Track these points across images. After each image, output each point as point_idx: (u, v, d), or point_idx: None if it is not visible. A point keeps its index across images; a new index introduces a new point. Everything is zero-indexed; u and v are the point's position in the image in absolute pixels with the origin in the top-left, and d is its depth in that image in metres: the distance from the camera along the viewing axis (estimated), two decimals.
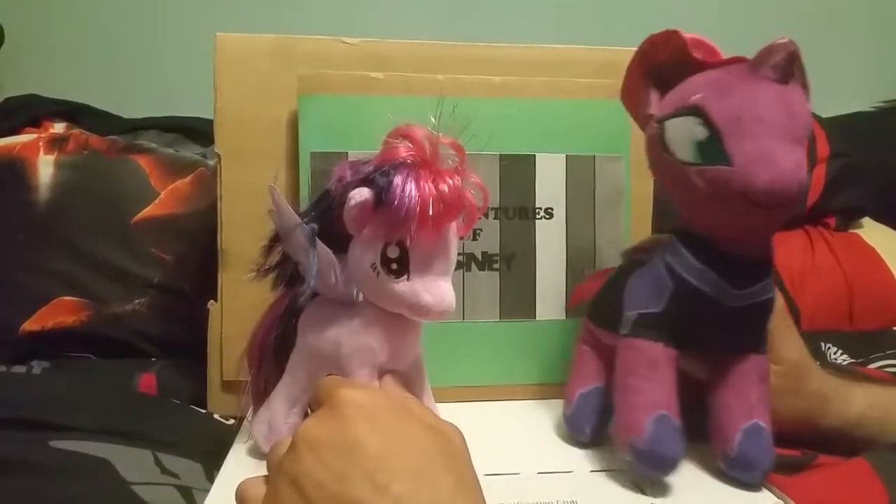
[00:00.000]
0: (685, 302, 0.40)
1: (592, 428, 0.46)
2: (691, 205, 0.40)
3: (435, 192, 0.34)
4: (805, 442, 0.46)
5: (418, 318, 0.37)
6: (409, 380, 0.41)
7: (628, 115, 0.56)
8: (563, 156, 0.55)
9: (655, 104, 0.42)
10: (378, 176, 0.35)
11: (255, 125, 0.53)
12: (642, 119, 0.43)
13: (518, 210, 0.55)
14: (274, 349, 0.43)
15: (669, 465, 0.40)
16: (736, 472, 0.41)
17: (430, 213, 0.33)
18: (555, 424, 0.50)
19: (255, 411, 0.44)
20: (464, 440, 0.30)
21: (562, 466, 0.44)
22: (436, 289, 0.35)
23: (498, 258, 0.55)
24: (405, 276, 0.35)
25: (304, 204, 0.51)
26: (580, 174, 0.56)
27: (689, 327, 0.41)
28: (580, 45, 0.58)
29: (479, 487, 0.28)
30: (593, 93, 0.56)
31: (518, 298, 0.55)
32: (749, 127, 0.36)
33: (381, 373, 0.39)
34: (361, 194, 0.35)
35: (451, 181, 0.34)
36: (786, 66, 0.36)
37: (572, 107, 0.55)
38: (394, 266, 0.35)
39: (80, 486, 0.42)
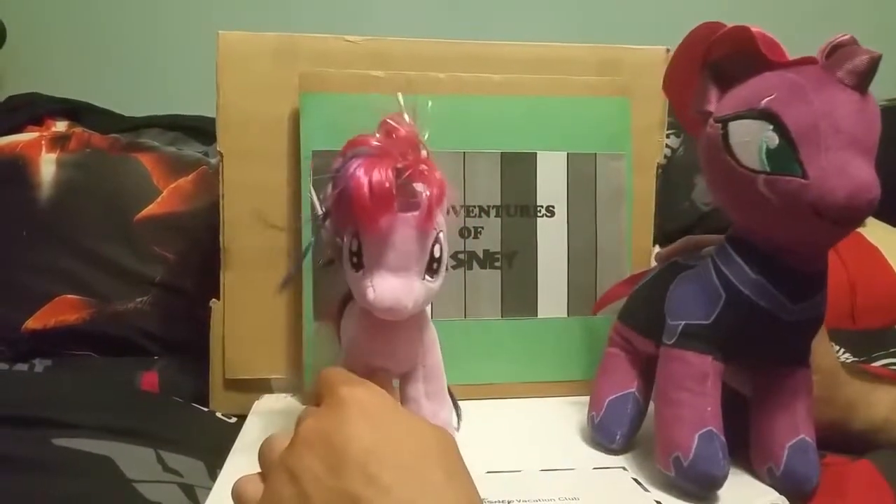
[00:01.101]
0: (737, 314, 0.38)
1: (623, 435, 0.45)
2: (751, 213, 0.38)
3: (365, 181, 0.33)
4: (826, 444, 0.46)
5: (376, 315, 0.35)
6: (413, 382, 0.41)
7: (630, 113, 0.56)
8: (565, 154, 0.55)
9: (715, 101, 0.39)
10: (338, 166, 0.35)
11: (257, 123, 0.53)
12: (693, 114, 0.40)
13: (519, 208, 0.55)
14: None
15: (715, 484, 0.38)
16: (786, 489, 0.40)
17: (359, 202, 0.32)
18: (556, 422, 0.50)
19: None
20: (455, 442, 0.31)
21: (564, 464, 0.44)
22: (381, 285, 0.34)
23: (500, 256, 0.55)
24: (361, 270, 0.35)
25: (306, 204, 0.52)
26: (581, 172, 0.55)
27: (739, 340, 0.39)
28: (581, 42, 0.58)
29: (472, 482, 0.28)
30: (595, 90, 0.56)
31: (519, 296, 0.55)
32: (826, 137, 0.34)
33: (374, 371, 0.38)
34: (330, 187, 0.35)
35: (383, 172, 0.33)
36: (867, 73, 0.34)
37: (574, 105, 0.55)
38: (354, 259, 0.35)
39: (83, 484, 0.42)
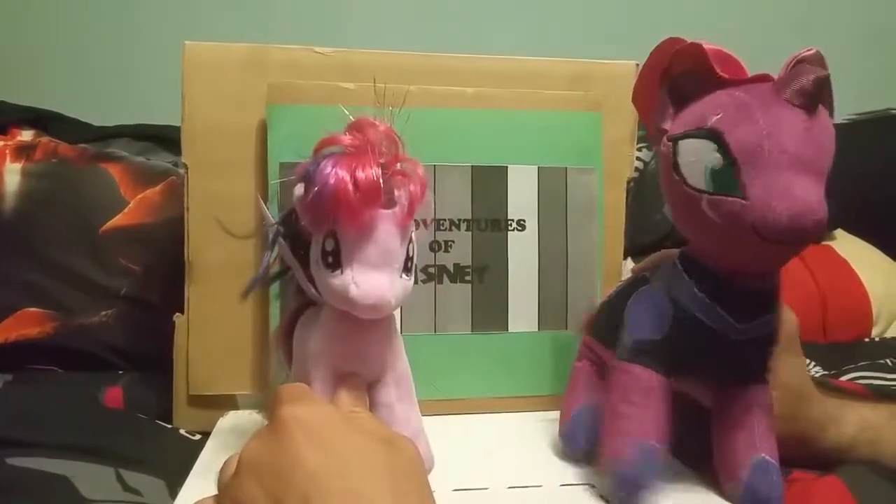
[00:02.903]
0: (685, 332, 0.39)
1: (588, 441, 0.45)
2: (698, 232, 0.38)
3: (349, 178, 0.33)
4: (782, 458, 0.46)
5: (356, 314, 0.35)
6: (384, 388, 0.40)
7: (601, 127, 0.57)
8: (536, 167, 0.55)
9: (670, 119, 0.39)
10: (309, 167, 0.35)
11: (224, 135, 0.53)
12: (654, 131, 0.40)
13: (490, 222, 0.55)
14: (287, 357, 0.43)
15: (648, 494, 0.39)
16: None
17: (345, 199, 0.33)
18: (526, 437, 0.50)
19: None
20: (418, 453, 0.29)
21: (532, 481, 0.43)
22: (365, 281, 0.34)
23: (470, 270, 0.54)
24: (339, 270, 0.34)
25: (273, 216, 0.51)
26: (552, 186, 0.55)
27: (688, 357, 0.39)
28: (553, 56, 0.58)
29: (427, 502, 0.27)
30: (566, 105, 0.56)
31: (490, 311, 0.55)
32: (769, 157, 0.33)
33: (346, 376, 0.38)
34: (298, 188, 0.35)
35: (369, 168, 0.33)
36: (814, 92, 0.33)
37: (545, 118, 0.55)
38: (330, 259, 0.35)
39: None
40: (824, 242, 0.84)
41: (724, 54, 0.37)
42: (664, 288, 0.40)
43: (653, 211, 0.78)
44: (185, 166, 0.52)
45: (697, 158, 0.35)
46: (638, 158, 0.80)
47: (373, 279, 0.34)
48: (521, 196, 0.55)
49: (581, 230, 0.56)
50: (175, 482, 0.44)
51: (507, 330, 0.55)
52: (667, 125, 0.39)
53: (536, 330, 0.55)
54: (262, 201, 0.41)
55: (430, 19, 0.96)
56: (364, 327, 0.37)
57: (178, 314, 0.53)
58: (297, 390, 0.32)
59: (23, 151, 0.70)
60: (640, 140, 0.83)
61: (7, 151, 0.69)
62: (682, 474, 0.44)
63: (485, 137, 0.54)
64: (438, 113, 0.54)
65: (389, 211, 0.35)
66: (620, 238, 0.59)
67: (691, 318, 0.38)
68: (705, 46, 0.36)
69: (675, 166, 0.36)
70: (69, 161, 0.70)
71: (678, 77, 0.38)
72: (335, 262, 0.34)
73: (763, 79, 0.36)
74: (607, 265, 0.57)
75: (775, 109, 0.34)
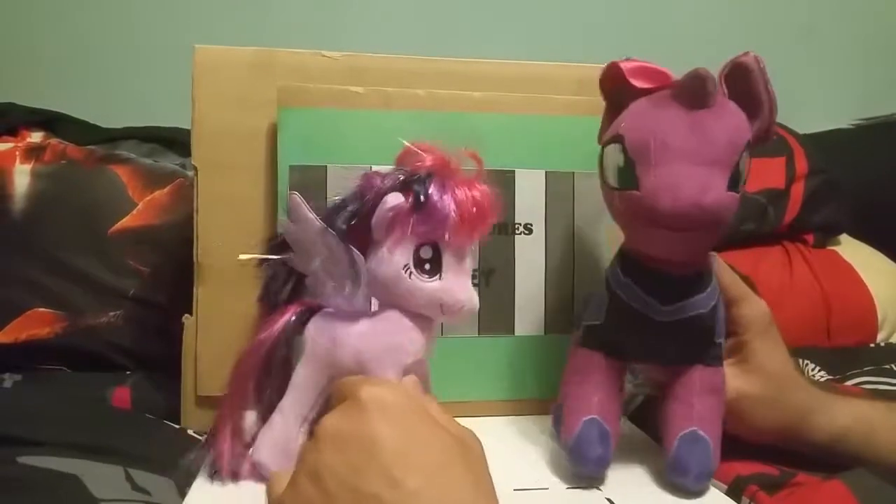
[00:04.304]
0: (618, 315, 0.43)
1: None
2: (621, 226, 0.44)
3: (470, 197, 0.37)
4: (786, 459, 0.46)
5: (449, 315, 0.39)
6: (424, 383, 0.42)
7: None
8: (543, 171, 0.55)
9: (606, 130, 0.45)
10: (415, 182, 0.37)
11: (233, 137, 0.53)
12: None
13: (497, 225, 0.55)
14: (277, 367, 0.42)
15: (594, 465, 0.42)
16: (671, 478, 0.42)
17: (467, 216, 0.37)
18: (532, 440, 0.50)
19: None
20: (482, 449, 0.31)
21: (538, 483, 0.44)
22: (466, 287, 0.39)
23: (477, 273, 0.55)
24: (437, 276, 0.38)
25: (282, 217, 0.51)
26: (560, 190, 0.56)
27: (626, 339, 0.44)
28: (559, 61, 0.58)
29: (494, 492, 0.28)
30: (572, 109, 0.56)
31: (497, 314, 0.55)
32: (656, 153, 0.38)
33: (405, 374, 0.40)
34: (397, 198, 0.37)
35: (481, 188, 0.38)
36: (696, 91, 0.37)
37: (552, 123, 0.56)
38: (427, 266, 0.38)
39: (47, 502, 0.41)
40: (829, 247, 0.84)
41: (645, 68, 0.41)
42: (607, 277, 0.45)
43: None
44: (195, 168, 0.53)
45: (611, 161, 0.41)
46: None
47: (468, 285, 0.39)
48: (529, 200, 0.55)
49: (588, 234, 0.56)
50: (184, 481, 0.45)
51: (514, 333, 0.55)
52: (602, 135, 0.45)
53: (543, 333, 0.55)
54: (301, 204, 0.40)
55: (437, 24, 0.97)
56: (430, 328, 0.40)
57: (187, 315, 0.53)
58: (365, 378, 0.33)
59: (32, 153, 0.70)
60: None
61: (17, 153, 0.70)
62: (644, 445, 0.49)
63: (492, 141, 0.54)
64: (446, 117, 0.54)
65: None
66: None
67: (620, 302, 0.43)
68: (620, 64, 0.42)
69: (601, 169, 0.43)
70: (78, 162, 0.71)
71: (610, 93, 0.44)
72: (434, 269, 0.38)
73: (670, 86, 0.40)
74: None
75: (665, 110, 0.38)
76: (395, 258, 0.38)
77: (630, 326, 0.43)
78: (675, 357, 0.44)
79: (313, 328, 0.40)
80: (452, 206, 0.36)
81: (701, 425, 0.42)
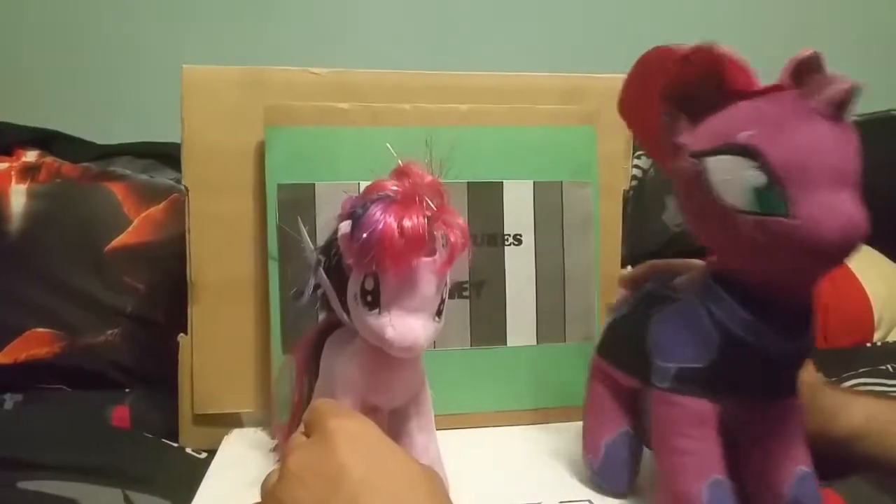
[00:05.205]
0: (732, 355, 0.37)
1: (629, 478, 0.44)
2: (735, 251, 0.36)
3: (396, 226, 0.34)
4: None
5: (391, 351, 0.37)
6: (405, 418, 0.42)
7: (595, 140, 0.57)
8: (531, 182, 0.56)
9: (684, 132, 0.37)
10: (357, 208, 0.36)
11: (223, 156, 0.53)
12: (662, 144, 0.38)
13: (487, 237, 0.55)
14: (311, 369, 0.44)
15: None
16: None
17: (390, 246, 0.34)
18: (526, 452, 0.51)
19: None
20: (441, 480, 0.31)
21: (531, 497, 0.44)
22: (401, 325, 0.35)
23: (468, 285, 0.55)
24: (377, 310, 0.36)
25: (272, 236, 0.52)
26: (548, 200, 0.56)
27: (733, 380, 0.38)
28: (547, 71, 0.58)
29: None
30: (560, 119, 0.56)
31: (488, 325, 0.55)
32: (813, 174, 0.32)
33: (368, 407, 0.39)
34: (344, 226, 0.36)
35: (416, 218, 0.34)
36: (846, 103, 0.32)
37: (539, 133, 0.56)
38: (368, 298, 0.36)
39: None
40: None
41: (736, 58, 0.35)
42: (703, 310, 0.37)
43: (652, 219, 0.78)
44: (186, 188, 0.53)
45: (733, 177, 0.33)
46: (636, 166, 0.80)
47: (408, 323, 0.36)
48: (518, 211, 0.55)
49: (577, 243, 0.56)
50: (182, 500, 0.45)
51: (506, 344, 0.55)
52: (684, 139, 0.37)
53: (535, 343, 0.56)
54: (302, 226, 0.42)
55: (422, 39, 0.97)
56: (395, 363, 0.38)
57: (182, 334, 0.54)
58: (338, 405, 0.33)
59: (28, 172, 0.71)
60: (636, 149, 0.84)
61: (12, 173, 0.70)
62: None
63: (480, 153, 0.55)
64: (433, 130, 0.54)
65: (430, 259, 0.36)
66: (617, 250, 0.59)
67: (737, 340, 0.36)
68: (718, 50, 0.35)
69: (707, 184, 0.35)
70: (73, 180, 0.71)
71: (681, 86, 0.36)
72: (374, 301, 0.36)
73: (780, 88, 0.34)
74: (604, 277, 0.57)
75: (809, 123, 0.32)
76: (352, 287, 0.37)
77: (747, 366, 0.37)
78: (779, 391, 0.40)
79: (328, 341, 0.42)
80: (377, 236, 0.34)
81: (807, 463, 0.39)
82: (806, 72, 0.34)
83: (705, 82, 0.35)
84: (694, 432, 0.37)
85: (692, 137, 0.36)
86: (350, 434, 0.29)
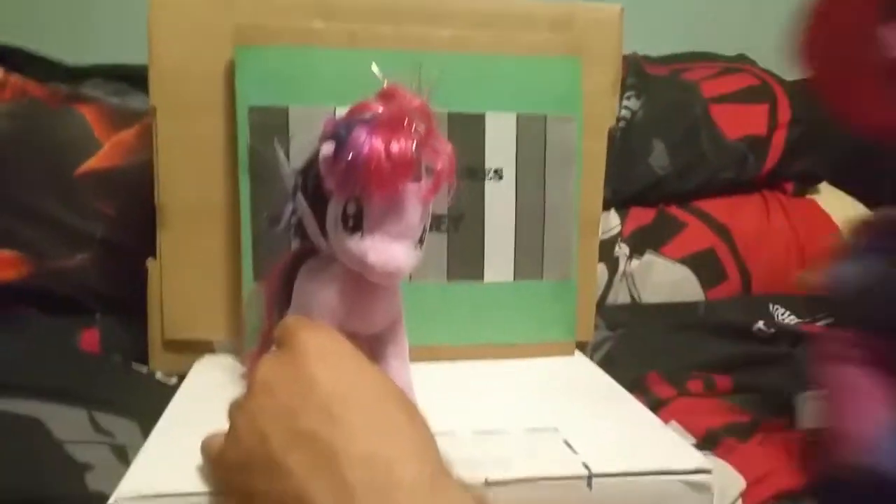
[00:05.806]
0: None
1: None
2: None
3: (382, 149, 0.33)
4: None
5: (371, 276, 0.36)
6: (381, 344, 0.42)
7: (580, 73, 0.55)
8: (514, 115, 0.54)
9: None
10: (341, 129, 0.34)
11: (193, 76, 0.51)
12: (864, 85, 0.34)
13: (467, 170, 0.54)
14: (281, 299, 0.43)
15: None
16: None
17: (376, 169, 0.33)
18: (497, 384, 0.51)
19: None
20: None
21: (498, 425, 0.44)
22: (384, 250, 0.35)
23: (446, 219, 0.54)
24: (359, 234, 0.35)
25: (243, 160, 0.50)
26: (531, 134, 0.54)
27: None
28: None
29: (432, 434, 0.28)
30: (546, 49, 0.54)
31: (466, 260, 0.54)
32: None
33: (346, 333, 0.38)
34: (328, 148, 0.35)
35: (403, 142, 0.33)
36: None
37: (524, 64, 0.54)
38: (350, 223, 0.35)
39: (8, 446, 0.42)
40: (809, 196, 0.84)
41: None
42: None
43: (638, 161, 0.77)
44: (154, 108, 0.51)
45: None
46: (625, 107, 0.78)
47: (391, 249, 0.35)
48: (499, 144, 0.54)
49: (559, 180, 0.55)
50: (149, 424, 0.44)
51: (483, 279, 0.55)
52: None
53: (512, 280, 0.55)
54: (279, 148, 0.41)
55: None
56: (374, 289, 0.38)
57: (150, 258, 0.53)
58: (309, 320, 0.33)
59: None
60: (628, 88, 0.81)
61: None
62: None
63: (462, 83, 0.53)
64: (413, 56, 0.52)
65: (416, 185, 0.35)
66: (600, 189, 0.58)
67: None
68: None
69: None
70: (41, 101, 0.69)
71: None
72: (356, 225, 0.35)
73: None
74: (585, 215, 0.57)
75: None
76: (332, 210, 0.36)
77: None
78: None
79: (302, 268, 0.41)
80: (363, 159, 0.33)
81: None
82: None
83: None
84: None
85: None
86: (321, 346, 0.29)
